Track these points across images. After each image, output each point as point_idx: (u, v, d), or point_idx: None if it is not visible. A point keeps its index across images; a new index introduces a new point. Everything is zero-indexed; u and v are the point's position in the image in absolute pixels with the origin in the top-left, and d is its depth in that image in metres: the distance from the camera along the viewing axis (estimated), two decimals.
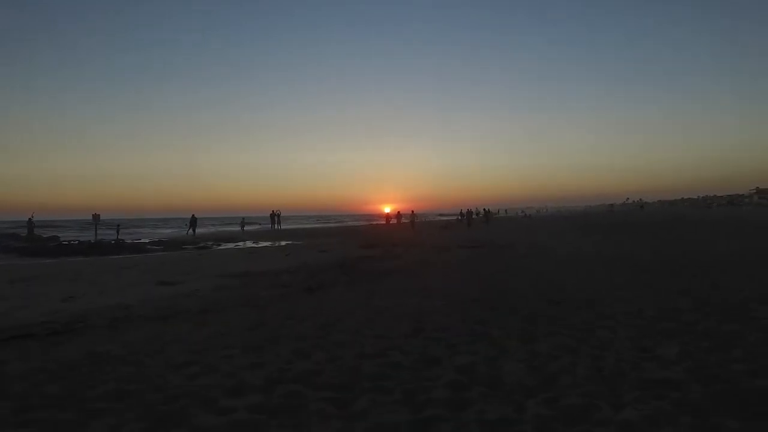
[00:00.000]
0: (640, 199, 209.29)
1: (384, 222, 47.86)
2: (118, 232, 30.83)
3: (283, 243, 21.64)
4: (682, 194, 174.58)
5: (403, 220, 49.27)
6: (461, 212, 46.83)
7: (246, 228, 36.76)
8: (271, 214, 36.10)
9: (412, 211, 45.63)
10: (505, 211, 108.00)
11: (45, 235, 29.34)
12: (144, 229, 59.54)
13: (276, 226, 35.84)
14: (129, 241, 25.00)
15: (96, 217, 27.47)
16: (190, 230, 31.64)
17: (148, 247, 22.02)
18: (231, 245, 21.70)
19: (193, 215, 31.03)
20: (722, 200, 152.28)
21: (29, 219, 25.84)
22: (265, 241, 23.49)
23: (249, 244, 22.34)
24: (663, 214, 58.12)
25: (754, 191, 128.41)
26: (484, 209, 36.70)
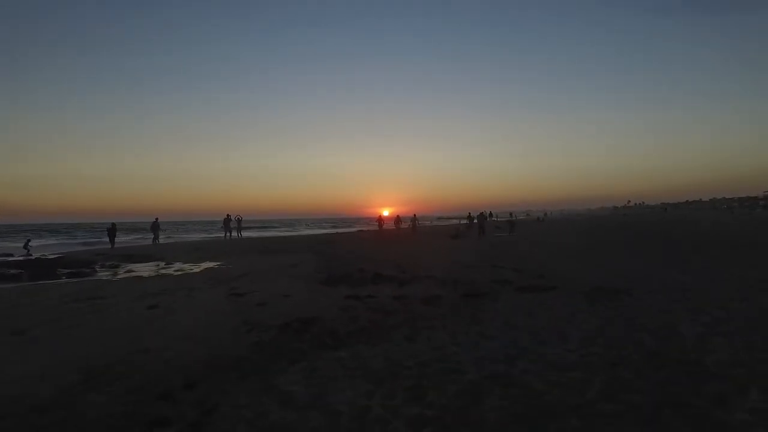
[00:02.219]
0: (643, 202, 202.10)
1: (378, 228, 39.81)
2: (26, 247, 22.82)
3: (205, 265, 13.72)
4: (686, 197, 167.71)
5: (403, 225, 41.48)
6: (470, 215, 38.79)
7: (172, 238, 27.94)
8: (225, 220, 27.98)
9: (414, 215, 38.36)
10: (510, 214, 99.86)
11: None
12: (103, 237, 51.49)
13: (230, 235, 27.85)
14: None
15: None
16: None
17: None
18: (123, 270, 13.73)
19: (113, 224, 22.98)
20: (732, 202, 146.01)
21: None
22: (186, 261, 15.51)
23: (161, 266, 14.37)
24: (695, 218, 50.16)
25: None
26: (510, 214, 28.71)
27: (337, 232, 40.57)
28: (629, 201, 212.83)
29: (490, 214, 42.19)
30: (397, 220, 40.47)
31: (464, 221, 42.10)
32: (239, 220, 28.48)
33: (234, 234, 28.07)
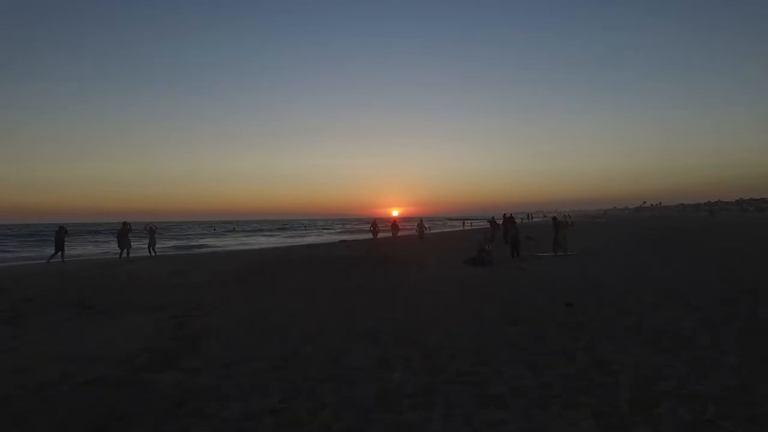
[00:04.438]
0: (660, 203, 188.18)
1: (372, 235, 30.39)
2: None
3: None
4: (708, 198, 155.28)
5: (401, 232, 32.18)
6: (493, 220, 28.89)
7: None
8: (119, 232, 18.50)
9: (421, 220, 31.07)
10: (530, 216, 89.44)
11: None
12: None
13: (127, 253, 18.39)
14: None
15: None
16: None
17: None
18: None
19: None
20: (762, 203, 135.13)
21: None
22: None
23: None
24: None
25: None
26: (553, 217, 18.72)
27: (310, 245, 30.96)
28: (645, 202, 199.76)
29: (511, 218, 29.74)
30: (394, 225, 31.08)
31: (487, 224, 32.03)
32: (152, 230, 19.34)
33: (144, 249, 18.99)
